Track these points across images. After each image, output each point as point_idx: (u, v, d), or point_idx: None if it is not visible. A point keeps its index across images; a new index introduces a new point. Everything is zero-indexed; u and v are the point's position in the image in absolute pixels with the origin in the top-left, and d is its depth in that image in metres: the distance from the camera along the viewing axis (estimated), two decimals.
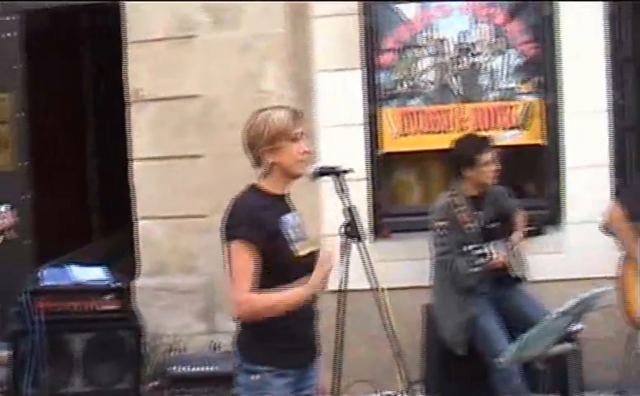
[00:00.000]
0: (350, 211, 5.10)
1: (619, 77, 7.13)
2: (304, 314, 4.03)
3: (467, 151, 6.07)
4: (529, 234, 6.48)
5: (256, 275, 3.90)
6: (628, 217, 5.38)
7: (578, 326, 4.90)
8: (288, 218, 4.05)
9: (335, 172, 5.07)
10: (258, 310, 3.90)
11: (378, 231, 7.10)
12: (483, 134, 6.59)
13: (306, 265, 4.01)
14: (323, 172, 5.01)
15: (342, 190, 5.07)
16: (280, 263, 3.94)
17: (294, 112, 4.13)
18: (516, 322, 5.70)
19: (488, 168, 6.01)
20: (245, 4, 6.94)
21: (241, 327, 4.03)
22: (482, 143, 6.09)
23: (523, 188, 7.26)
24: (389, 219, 7.15)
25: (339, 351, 5.56)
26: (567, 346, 5.46)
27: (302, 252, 4.01)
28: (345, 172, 5.09)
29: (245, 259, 3.89)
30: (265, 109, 4.11)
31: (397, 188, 7.41)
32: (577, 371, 6.01)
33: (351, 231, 5.13)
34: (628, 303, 5.38)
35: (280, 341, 3.95)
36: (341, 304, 5.49)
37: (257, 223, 3.91)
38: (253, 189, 4.06)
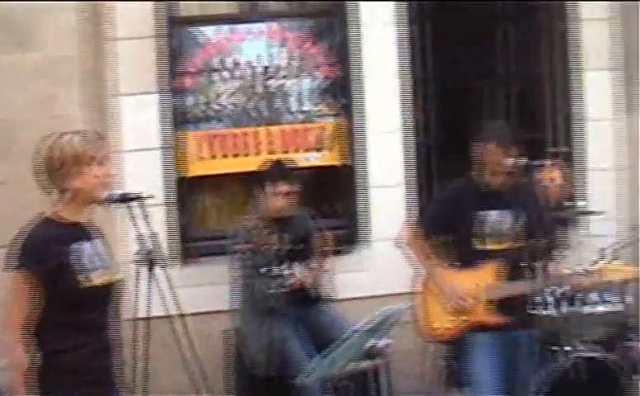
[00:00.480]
0: (149, 238, 5.02)
1: (420, 97, 7.36)
2: (97, 346, 3.94)
3: (264, 177, 6.18)
4: (334, 253, 6.59)
5: (30, 311, 3.80)
6: (423, 235, 5.52)
7: (384, 341, 5.00)
8: (84, 246, 3.94)
9: (134, 198, 4.97)
10: (11, 366, 3.83)
11: (184, 256, 7.02)
12: (289, 159, 6.66)
13: (101, 294, 3.93)
14: (122, 197, 4.90)
15: (142, 217, 4.98)
16: (67, 294, 3.83)
17: (94, 136, 4.06)
18: (322, 341, 5.74)
19: (283, 197, 6.11)
20: (41, 26, 6.74)
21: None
22: (280, 172, 6.20)
23: (327, 208, 7.36)
24: (194, 243, 7.08)
25: (144, 381, 5.46)
26: (375, 361, 5.59)
27: (97, 282, 3.91)
28: (144, 197, 5.00)
29: (19, 294, 3.80)
30: (65, 133, 4.01)
31: (202, 212, 7.36)
32: (388, 384, 6.16)
33: (151, 257, 5.05)
34: (426, 317, 5.51)
35: (72, 374, 3.84)
36: (139, 332, 5.38)
37: (39, 255, 3.81)
38: (44, 218, 3.93)
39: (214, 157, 7.11)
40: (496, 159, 5.23)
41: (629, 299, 6.61)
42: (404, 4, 7.26)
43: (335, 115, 7.27)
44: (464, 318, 5.34)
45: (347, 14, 7.21)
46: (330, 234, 6.36)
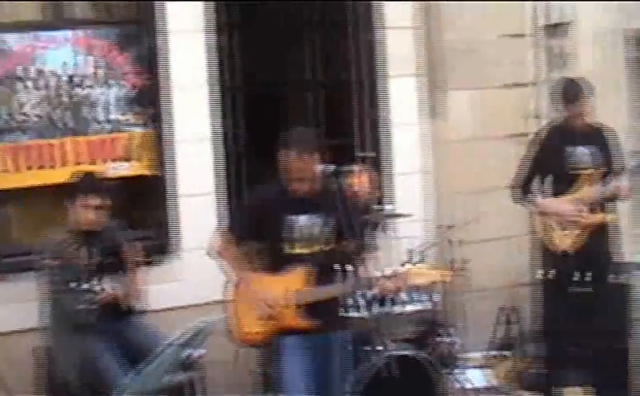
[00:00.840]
0: None
1: (229, 105, 7.39)
2: None
3: (74, 190, 6.05)
4: (145, 264, 6.51)
5: None
6: (234, 242, 5.52)
7: (198, 351, 4.98)
8: None
9: None
10: None
11: None
12: (99, 171, 6.55)
13: None
14: None
15: None
16: None
17: None
18: (136, 355, 5.67)
19: (93, 210, 5.99)
20: None
21: None
22: (91, 184, 6.07)
23: (137, 219, 7.25)
24: (0, 260, 6.84)
25: None
26: (190, 373, 5.54)
27: None
28: None
29: None
30: None
31: (8, 227, 7.08)
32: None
33: None
34: (238, 322, 5.52)
35: None
36: None
37: None
38: None
39: (18, 170, 6.87)
40: (298, 165, 5.28)
41: (437, 298, 6.86)
42: (212, 12, 7.26)
43: (143, 125, 7.18)
44: (274, 322, 5.37)
45: (155, 22, 7.15)
46: (140, 245, 6.28)
